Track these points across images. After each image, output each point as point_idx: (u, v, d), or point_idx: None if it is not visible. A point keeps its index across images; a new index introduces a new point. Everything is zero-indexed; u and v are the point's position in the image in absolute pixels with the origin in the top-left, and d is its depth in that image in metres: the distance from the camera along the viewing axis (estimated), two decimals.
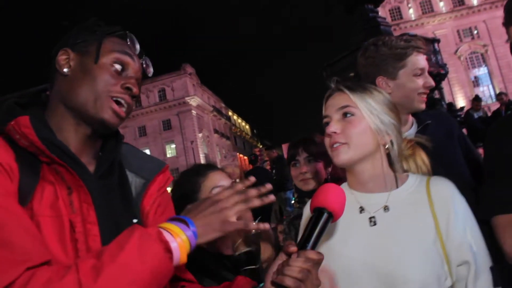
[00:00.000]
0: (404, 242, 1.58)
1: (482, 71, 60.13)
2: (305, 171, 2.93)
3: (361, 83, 1.81)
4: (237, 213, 1.29)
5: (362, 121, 1.69)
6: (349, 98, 1.71)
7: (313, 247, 1.34)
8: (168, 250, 1.16)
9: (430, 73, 2.51)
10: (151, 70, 1.58)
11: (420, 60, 2.41)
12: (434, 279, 1.53)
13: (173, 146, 65.44)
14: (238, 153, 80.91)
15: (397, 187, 1.72)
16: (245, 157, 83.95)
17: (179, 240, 1.19)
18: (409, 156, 1.83)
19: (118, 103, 1.42)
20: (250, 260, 1.81)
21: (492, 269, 1.57)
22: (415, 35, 2.64)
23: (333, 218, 1.42)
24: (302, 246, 1.34)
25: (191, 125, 64.93)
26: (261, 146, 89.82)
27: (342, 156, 1.69)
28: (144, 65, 1.55)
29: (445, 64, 9.12)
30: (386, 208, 1.67)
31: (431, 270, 1.54)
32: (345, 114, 1.71)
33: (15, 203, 1.18)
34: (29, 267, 1.07)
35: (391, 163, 1.76)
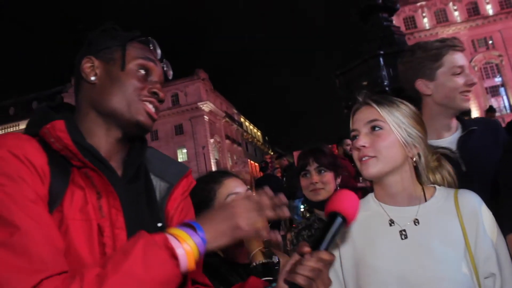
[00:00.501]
0: (436, 255, 1.61)
1: (496, 82, 59.71)
2: (315, 181, 2.93)
3: (388, 96, 1.83)
4: (249, 220, 1.28)
5: (390, 135, 1.72)
6: (377, 112, 1.74)
7: (326, 248, 1.37)
8: (174, 256, 1.15)
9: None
10: (171, 73, 1.61)
11: (457, 58, 2.37)
12: None
13: (185, 151, 65.65)
14: (249, 160, 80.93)
15: (425, 200, 1.75)
16: (256, 164, 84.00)
17: (186, 246, 1.17)
18: (435, 168, 1.85)
19: None
20: (267, 272, 1.81)
21: None
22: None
23: (347, 222, 1.44)
24: (315, 247, 1.36)
25: (203, 130, 65.13)
26: (272, 153, 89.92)
27: (372, 169, 1.72)
28: (165, 69, 1.58)
29: None
30: (416, 222, 1.69)
31: (463, 283, 1.57)
32: (373, 128, 1.74)
33: (43, 210, 1.19)
34: (43, 278, 1.07)
35: (418, 176, 1.78)
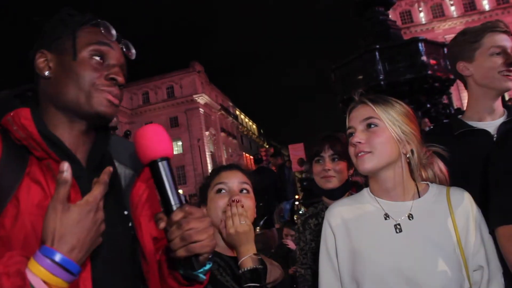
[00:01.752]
0: (428, 249, 1.69)
1: None
2: (328, 168, 2.87)
3: (383, 96, 1.91)
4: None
5: (385, 131, 1.80)
6: (372, 110, 1.83)
7: (178, 202, 1.26)
8: None
9: (438, 78, 2.48)
10: (133, 52, 1.52)
11: (496, 39, 2.36)
12: (455, 284, 1.65)
13: (180, 143, 65.56)
14: (244, 153, 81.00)
15: (419, 196, 1.83)
16: (251, 157, 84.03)
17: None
18: (427, 165, 1.91)
19: None
20: (255, 278, 1.83)
21: (503, 274, 1.71)
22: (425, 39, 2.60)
23: (170, 160, 1.30)
24: (167, 211, 1.26)
25: (198, 123, 65.04)
26: (267, 146, 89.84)
27: (367, 164, 1.79)
28: (124, 50, 1.50)
29: None
30: (410, 216, 1.78)
31: (453, 276, 1.65)
32: (369, 125, 1.82)
33: None
34: None
35: (411, 172, 1.85)
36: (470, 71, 2.43)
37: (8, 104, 1.33)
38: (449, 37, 56.66)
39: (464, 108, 2.54)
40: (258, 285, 1.83)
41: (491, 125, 2.34)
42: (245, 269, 1.85)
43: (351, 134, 1.85)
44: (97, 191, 1.17)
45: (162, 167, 1.27)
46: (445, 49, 8.77)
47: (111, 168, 1.24)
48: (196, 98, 65.39)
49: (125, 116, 62.47)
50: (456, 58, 2.51)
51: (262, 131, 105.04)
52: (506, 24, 2.44)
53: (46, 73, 1.39)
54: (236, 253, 1.92)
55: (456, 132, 2.33)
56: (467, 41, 2.44)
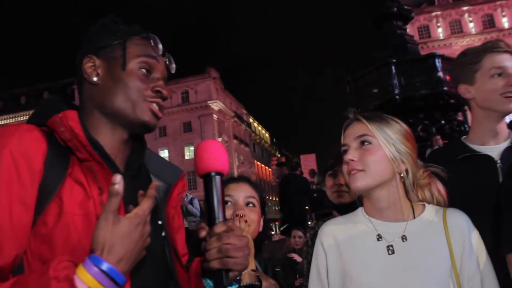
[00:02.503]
0: (422, 272, 1.64)
1: None
2: (342, 183, 2.81)
3: (379, 113, 1.88)
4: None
5: (379, 150, 1.75)
6: (367, 128, 1.79)
7: (220, 215, 1.32)
8: None
9: (454, 95, 2.44)
10: (174, 66, 1.58)
11: (497, 59, 2.29)
12: None
13: (192, 148, 65.63)
14: (255, 161, 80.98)
15: (414, 217, 1.78)
16: (263, 165, 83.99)
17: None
18: (425, 186, 1.86)
19: None
20: None
21: None
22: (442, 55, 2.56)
23: (223, 175, 1.39)
24: (210, 222, 1.32)
25: (211, 129, 65.18)
26: (279, 155, 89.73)
27: (359, 182, 1.75)
28: (167, 63, 1.55)
29: None
30: (404, 238, 1.72)
31: None
32: (362, 143, 1.78)
33: (24, 213, 1.19)
34: None
35: (407, 192, 1.81)
36: (471, 94, 2.36)
37: (55, 107, 1.37)
38: None
39: None
40: None
41: (495, 149, 2.26)
42: (242, 284, 1.84)
43: (345, 152, 1.82)
44: (146, 205, 1.20)
45: (215, 181, 1.35)
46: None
47: (157, 183, 1.28)
48: (211, 104, 65.56)
49: None
50: (457, 81, 2.44)
51: (274, 140, 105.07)
52: (507, 43, 2.38)
53: (95, 79, 1.42)
54: None
55: (459, 157, 2.25)
56: (468, 63, 2.38)
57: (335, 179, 2.86)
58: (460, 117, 10.92)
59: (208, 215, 1.34)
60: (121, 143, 1.46)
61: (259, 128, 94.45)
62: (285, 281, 5.72)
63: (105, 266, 1.08)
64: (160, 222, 1.46)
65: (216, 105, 66.38)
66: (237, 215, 1.96)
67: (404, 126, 1.85)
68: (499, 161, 2.21)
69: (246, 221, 1.96)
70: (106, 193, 1.30)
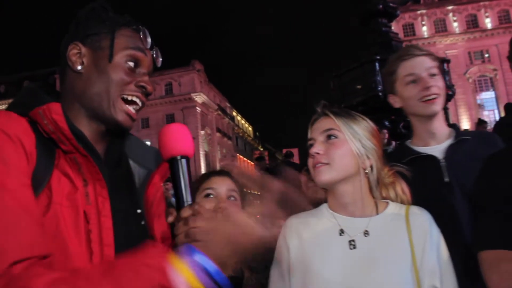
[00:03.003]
0: (382, 267, 1.66)
1: (489, 95, 60.09)
2: None
3: (347, 110, 1.91)
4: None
5: (344, 144, 1.77)
6: (334, 122, 1.81)
7: (188, 199, 1.29)
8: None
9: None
10: (160, 60, 1.54)
11: (407, 67, 2.36)
12: None
13: None
14: (238, 154, 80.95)
15: (377, 213, 1.80)
16: (245, 159, 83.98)
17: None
18: (389, 184, 1.89)
19: (132, 102, 1.42)
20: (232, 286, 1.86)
21: None
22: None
23: (189, 159, 1.35)
24: (179, 206, 1.29)
25: (195, 121, 64.92)
26: (261, 149, 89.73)
27: (324, 176, 1.77)
28: (154, 56, 1.52)
29: (453, 85, 9.11)
30: (366, 233, 1.74)
31: None
32: (329, 137, 1.80)
33: (31, 195, 1.16)
34: (19, 260, 1.04)
35: (371, 189, 1.83)
36: (398, 103, 2.44)
37: (37, 97, 1.34)
38: (450, 52, 57.06)
39: (461, 125, 2.53)
40: None
41: (437, 149, 2.32)
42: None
43: (311, 146, 1.83)
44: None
45: (181, 164, 1.32)
46: (445, 65, 8.81)
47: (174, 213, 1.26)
48: (194, 97, 65.28)
49: None
50: (386, 92, 2.53)
51: (257, 133, 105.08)
52: (420, 47, 2.44)
53: (79, 67, 1.39)
54: None
55: (404, 160, 2.24)
56: (387, 73, 2.47)
57: (309, 175, 2.86)
58: None
59: (176, 200, 1.31)
60: (99, 135, 1.43)
61: (243, 121, 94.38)
62: (265, 273, 5.72)
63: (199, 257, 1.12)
64: (139, 211, 1.44)
65: (199, 97, 66.11)
66: (219, 208, 1.96)
67: (371, 123, 1.87)
68: (442, 159, 2.27)
69: None
70: (91, 185, 1.30)
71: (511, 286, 1.50)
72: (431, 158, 2.28)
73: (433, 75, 2.34)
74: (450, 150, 2.30)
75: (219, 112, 75.16)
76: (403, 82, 2.37)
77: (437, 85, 2.33)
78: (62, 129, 1.26)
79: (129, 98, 1.41)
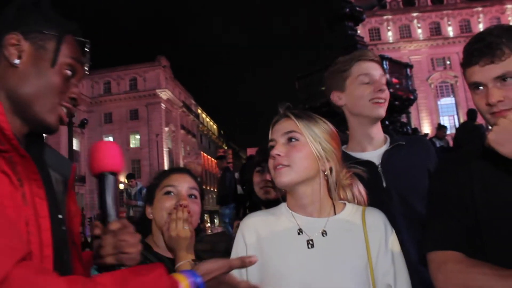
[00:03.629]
0: (339, 266, 1.69)
1: (449, 101, 61.63)
2: (269, 179, 2.74)
3: (308, 112, 1.91)
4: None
5: (305, 146, 1.79)
6: (295, 125, 1.82)
7: (115, 213, 1.37)
8: None
9: (399, 97, 2.50)
10: (86, 71, 1.51)
11: (364, 67, 2.39)
12: None
13: (138, 137, 64.78)
14: (202, 152, 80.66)
15: (335, 213, 1.83)
16: (209, 157, 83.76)
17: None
18: (347, 186, 1.92)
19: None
20: None
21: None
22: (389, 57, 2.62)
23: (117, 175, 1.41)
24: (104, 220, 1.36)
25: (159, 118, 64.41)
26: (226, 148, 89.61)
27: (284, 178, 1.78)
28: (86, 68, 1.49)
29: (415, 90, 9.31)
30: (324, 233, 1.77)
31: None
32: (290, 139, 1.81)
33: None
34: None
35: (329, 190, 1.86)
36: (343, 101, 2.46)
37: None
38: (414, 58, 58.26)
39: (422, 129, 2.57)
40: None
41: (374, 155, 2.36)
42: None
43: (272, 147, 1.84)
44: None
45: (109, 180, 1.37)
46: (408, 70, 8.99)
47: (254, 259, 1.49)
48: (159, 93, 64.72)
49: (84, 104, 60.76)
50: (330, 89, 2.53)
51: (222, 132, 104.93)
52: (375, 53, 2.49)
53: (16, 61, 1.31)
54: (175, 257, 1.90)
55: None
56: (338, 71, 2.48)
57: (262, 175, 2.90)
58: (403, 119, 11.23)
59: (101, 213, 1.36)
60: (20, 134, 1.35)
61: (207, 119, 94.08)
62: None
63: (200, 281, 1.31)
64: (60, 216, 1.40)
65: (164, 94, 65.60)
66: (180, 205, 1.97)
67: (331, 126, 1.89)
68: (379, 165, 2.31)
69: (189, 212, 1.97)
70: (27, 185, 1.25)
71: (457, 285, 1.55)
72: (369, 163, 2.28)
73: (383, 83, 2.39)
74: (386, 156, 2.33)
75: (184, 109, 74.75)
76: (356, 81, 2.39)
77: (387, 91, 2.38)
78: (3, 129, 1.19)
79: (61, 107, 1.38)
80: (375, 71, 2.38)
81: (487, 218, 1.62)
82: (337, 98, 2.48)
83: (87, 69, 1.49)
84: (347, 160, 2.26)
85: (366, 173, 2.09)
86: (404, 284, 1.75)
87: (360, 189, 1.95)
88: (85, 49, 1.44)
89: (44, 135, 1.49)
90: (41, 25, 1.35)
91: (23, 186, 1.24)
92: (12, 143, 1.21)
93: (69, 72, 1.37)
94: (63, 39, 1.36)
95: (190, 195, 2.08)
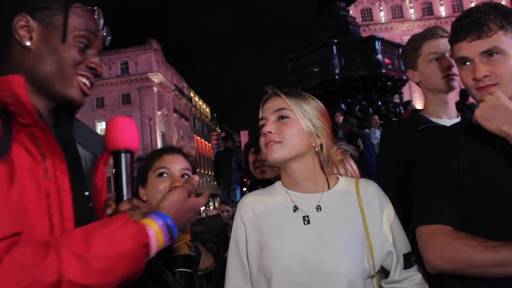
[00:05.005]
0: (336, 240, 1.71)
1: None
2: (264, 159, 2.86)
3: (298, 90, 1.95)
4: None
5: (296, 123, 1.81)
6: (285, 102, 1.84)
7: (127, 193, 1.39)
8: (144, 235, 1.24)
9: (391, 77, 2.53)
10: (109, 39, 1.51)
11: (433, 45, 2.49)
12: (361, 273, 1.69)
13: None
14: (195, 135, 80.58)
15: (329, 188, 1.86)
16: (202, 140, 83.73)
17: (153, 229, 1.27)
18: (338, 162, 1.95)
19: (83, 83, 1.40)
20: (186, 263, 1.86)
21: (404, 255, 1.78)
22: (382, 38, 2.65)
23: (133, 153, 1.43)
24: (118, 199, 1.38)
25: (151, 102, 64.11)
26: (219, 131, 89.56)
27: (276, 154, 1.79)
28: (104, 35, 1.48)
29: None
30: (318, 208, 1.79)
31: (359, 265, 1.69)
32: (281, 117, 1.83)
33: None
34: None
35: (322, 166, 1.88)
36: (417, 78, 2.58)
37: None
38: (406, 38, 57.83)
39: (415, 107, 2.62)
40: (189, 270, 1.85)
41: (449, 123, 2.40)
42: (178, 254, 1.86)
43: (263, 125, 1.86)
44: (203, 200, 1.51)
45: (124, 158, 1.37)
46: (400, 50, 8.98)
47: (209, 192, 1.48)
48: (151, 77, 64.29)
49: None
50: (405, 67, 2.67)
51: (215, 115, 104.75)
52: (445, 29, 2.54)
53: (28, 43, 1.32)
54: None
55: (420, 127, 2.42)
56: (410, 50, 2.59)
57: (257, 155, 2.93)
58: (396, 99, 11.25)
59: (116, 193, 1.37)
60: (48, 112, 1.39)
61: (200, 102, 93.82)
62: (218, 254, 5.77)
63: (170, 221, 1.32)
64: (87, 193, 1.44)
65: (156, 77, 65.18)
66: (175, 187, 1.96)
67: (320, 103, 1.92)
68: None
69: None
70: (49, 159, 1.28)
71: (445, 257, 1.59)
72: (444, 128, 2.34)
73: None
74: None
75: (177, 92, 74.45)
76: (426, 59, 2.50)
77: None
78: (24, 103, 1.21)
79: (80, 78, 1.39)
80: (444, 48, 2.42)
81: (473, 193, 1.67)
82: (412, 75, 2.61)
83: (106, 33, 1.49)
84: (426, 123, 2.45)
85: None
86: (403, 248, 1.79)
87: (352, 165, 1.99)
88: (95, 15, 1.42)
89: (75, 111, 1.52)
90: (45, 1, 1.34)
91: (45, 161, 1.27)
92: (33, 117, 1.24)
93: (82, 44, 1.38)
94: (69, 12, 1.35)
95: (183, 176, 2.07)
